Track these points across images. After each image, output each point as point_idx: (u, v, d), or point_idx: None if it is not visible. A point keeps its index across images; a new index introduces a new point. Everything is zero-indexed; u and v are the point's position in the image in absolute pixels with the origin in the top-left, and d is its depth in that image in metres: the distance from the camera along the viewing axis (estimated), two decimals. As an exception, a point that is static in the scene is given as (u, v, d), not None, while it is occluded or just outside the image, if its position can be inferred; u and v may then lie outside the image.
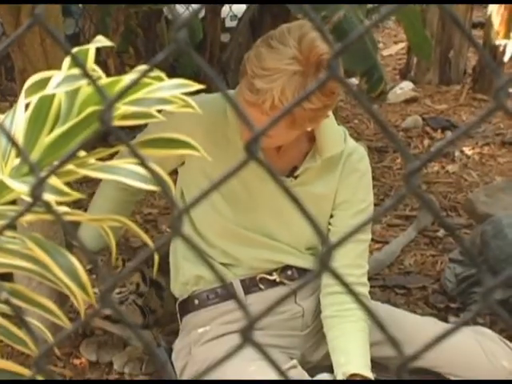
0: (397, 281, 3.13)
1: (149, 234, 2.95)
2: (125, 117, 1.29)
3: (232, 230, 2.18)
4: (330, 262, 0.64)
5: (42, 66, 2.26)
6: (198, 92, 1.36)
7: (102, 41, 1.39)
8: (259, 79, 1.89)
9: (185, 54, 0.64)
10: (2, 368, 1.30)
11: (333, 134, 2.17)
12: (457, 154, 4.40)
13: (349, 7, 2.84)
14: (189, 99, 1.30)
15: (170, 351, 2.34)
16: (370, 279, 2.29)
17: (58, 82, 1.30)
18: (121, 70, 3.82)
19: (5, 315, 1.32)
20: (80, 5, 4.26)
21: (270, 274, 2.23)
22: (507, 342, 2.33)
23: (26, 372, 1.30)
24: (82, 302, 1.25)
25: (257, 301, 2.18)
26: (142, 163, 0.70)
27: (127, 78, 1.30)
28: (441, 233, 3.48)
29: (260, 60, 1.90)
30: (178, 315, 2.32)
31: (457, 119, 5.00)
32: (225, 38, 4.37)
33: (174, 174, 2.20)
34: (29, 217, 1.24)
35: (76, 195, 1.21)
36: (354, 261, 2.18)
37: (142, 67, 1.12)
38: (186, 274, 2.25)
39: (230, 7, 4.73)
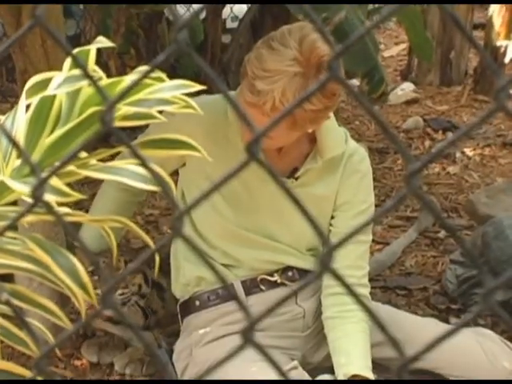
0: (398, 282, 3.13)
1: (150, 235, 2.95)
2: (126, 117, 1.29)
3: (233, 231, 2.18)
4: (330, 263, 0.64)
5: (42, 67, 2.26)
6: (198, 93, 1.36)
7: (103, 42, 1.39)
8: (260, 80, 1.89)
9: (186, 55, 0.65)
10: (3, 369, 1.30)
11: (334, 135, 2.17)
12: (458, 155, 4.40)
13: (350, 8, 2.84)
14: (190, 100, 1.30)
15: (170, 352, 2.34)
16: (370, 280, 2.29)
17: (59, 82, 1.30)
18: (122, 71, 3.82)
19: (6, 316, 1.32)
20: (81, 6, 4.26)
21: (271, 275, 2.23)
22: (508, 343, 2.33)
23: (26, 373, 1.30)
24: (83, 303, 1.25)
25: (258, 302, 2.18)
26: (143, 164, 0.70)
27: (128, 79, 1.31)
28: (442, 234, 3.47)
29: (261, 61, 1.90)
30: (179, 316, 2.32)
31: (458, 120, 4.99)
32: (226, 39, 4.36)
33: (174, 174, 2.20)
34: (30, 218, 1.24)
35: (77, 196, 1.21)
36: (354, 262, 2.18)
37: (143, 68, 1.12)
38: (187, 275, 2.25)
39: (231, 8, 4.73)
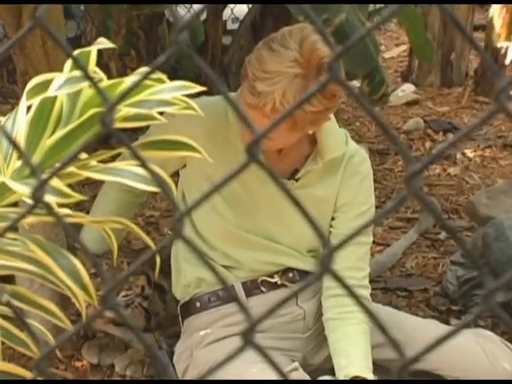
0: (398, 283, 3.13)
1: (150, 237, 2.95)
2: (126, 119, 1.29)
3: (233, 232, 2.18)
4: (331, 265, 0.64)
5: (43, 68, 2.26)
6: (199, 94, 1.36)
7: (103, 43, 1.39)
8: (260, 82, 1.89)
9: (186, 57, 0.65)
10: (4, 370, 1.30)
11: (334, 136, 2.17)
12: (458, 156, 4.40)
13: (350, 10, 2.84)
14: (190, 101, 1.30)
15: (171, 354, 2.34)
16: (371, 281, 2.29)
17: (60, 84, 1.30)
18: (122, 73, 3.82)
19: (6, 317, 1.32)
20: (82, 7, 4.26)
21: (272, 276, 2.23)
22: (509, 344, 2.33)
23: (27, 374, 1.30)
24: (84, 304, 1.25)
25: (258, 303, 2.18)
26: (143, 165, 0.70)
27: (129, 80, 1.31)
28: (442, 235, 3.47)
29: (261, 63, 1.90)
30: (180, 317, 2.32)
31: (458, 121, 4.99)
32: (226, 40, 4.36)
33: (175, 176, 2.20)
34: (30, 219, 1.24)
35: (78, 197, 1.21)
36: (355, 263, 2.18)
37: (144, 69, 1.12)
38: (188, 277, 2.25)
39: (232, 10, 4.73)
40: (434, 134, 4.78)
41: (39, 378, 0.77)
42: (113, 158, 1.62)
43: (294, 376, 2.10)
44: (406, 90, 5.44)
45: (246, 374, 2.03)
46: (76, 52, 1.34)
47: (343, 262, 2.13)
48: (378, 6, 3.91)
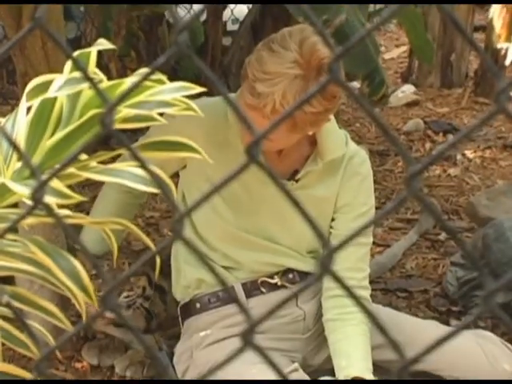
0: (398, 284, 3.13)
1: (150, 238, 2.95)
2: (126, 120, 1.29)
3: (233, 233, 2.18)
4: (330, 266, 0.64)
5: (43, 69, 2.26)
6: (199, 95, 1.36)
7: (103, 44, 1.39)
8: (260, 83, 1.89)
9: (186, 57, 0.65)
10: (4, 371, 1.30)
11: (334, 137, 2.17)
12: (458, 157, 4.40)
13: (350, 10, 2.84)
14: (190, 102, 1.30)
15: (171, 355, 2.34)
16: (371, 282, 2.29)
17: (60, 85, 1.30)
18: (122, 74, 3.82)
19: (6, 318, 1.32)
20: (82, 8, 4.26)
21: (272, 277, 2.23)
22: (508, 345, 2.33)
23: (27, 375, 1.30)
24: (84, 305, 1.25)
25: (258, 304, 2.18)
26: (143, 166, 0.70)
27: (128, 81, 1.31)
28: (442, 236, 3.47)
29: (261, 64, 1.90)
30: (180, 318, 2.32)
31: (458, 122, 4.99)
32: (226, 41, 4.36)
33: (175, 177, 2.20)
34: (30, 220, 1.24)
35: (78, 198, 1.21)
36: (355, 264, 2.18)
37: (144, 70, 1.12)
38: (188, 278, 2.25)
39: (232, 11, 4.73)
40: (434, 135, 4.78)
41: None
42: (113, 159, 1.62)
43: (294, 377, 2.10)
44: (406, 91, 5.44)
45: (246, 375, 2.03)
46: (76, 53, 1.34)
47: (343, 262, 2.13)
48: (377, 6, 3.91)
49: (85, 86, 1.29)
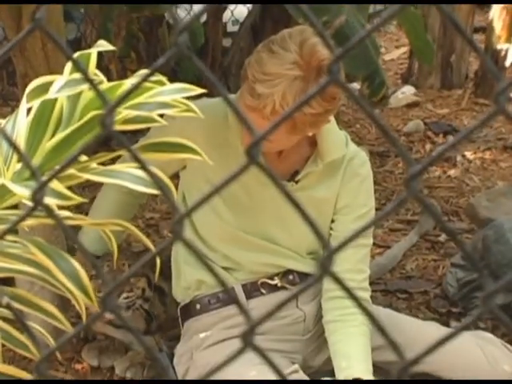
0: (398, 285, 3.13)
1: (150, 239, 2.94)
2: (126, 121, 1.29)
3: (233, 233, 2.18)
4: (330, 267, 0.64)
5: (43, 70, 2.26)
6: (199, 96, 1.36)
7: (103, 45, 1.39)
8: (260, 84, 1.89)
9: (186, 59, 0.65)
10: (4, 372, 1.30)
11: (334, 138, 2.17)
12: (458, 158, 4.40)
13: (350, 12, 2.84)
14: (190, 103, 1.30)
15: (171, 356, 2.34)
16: (371, 284, 2.29)
17: (60, 86, 1.30)
18: (123, 75, 3.82)
19: (6, 320, 1.33)
20: (82, 10, 4.26)
21: (272, 278, 2.23)
22: (508, 346, 2.33)
23: (27, 377, 1.30)
24: (84, 306, 1.26)
25: (258, 305, 2.18)
26: (143, 167, 0.70)
27: (129, 83, 1.31)
28: (442, 237, 3.47)
29: (261, 65, 1.90)
30: (180, 320, 2.32)
31: (458, 124, 4.99)
32: (226, 42, 4.37)
33: (175, 178, 2.20)
34: (30, 221, 1.24)
35: (78, 199, 1.21)
36: (355, 265, 2.18)
37: (144, 71, 1.12)
38: (188, 279, 2.25)
39: (232, 12, 4.74)
40: (434, 136, 4.78)
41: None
42: (113, 161, 1.62)
43: (294, 378, 2.10)
44: (406, 92, 5.44)
45: (246, 376, 2.03)
46: (76, 54, 1.34)
47: (343, 264, 2.13)
48: (377, 7, 3.91)
49: (85, 87, 1.29)
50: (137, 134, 2.21)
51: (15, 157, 1.32)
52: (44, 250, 1.25)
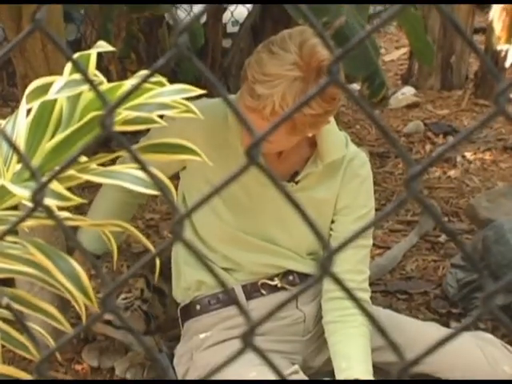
0: (398, 286, 3.13)
1: (150, 240, 2.95)
2: (126, 122, 1.29)
3: (233, 234, 2.18)
4: (330, 268, 0.64)
5: (43, 71, 2.26)
6: (199, 97, 1.36)
7: (103, 46, 1.39)
8: (260, 85, 1.89)
9: (186, 59, 0.65)
10: (4, 373, 1.30)
11: (334, 139, 2.17)
12: (458, 159, 4.40)
13: (350, 12, 2.84)
14: (190, 104, 1.31)
15: (171, 357, 2.34)
16: (371, 284, 2.29)
17: (60, 87, 1.30)
18: (123, 76, 3.82)
19: (6, 320, 1.33)
20: (82, 10, 4.26)
21: (272, 279, 2.23)
22: (508, 347, 2.33)
23: (27, 377, 1.30)
24: (84, 307, 1.26)
25: (258, 306, 2.18)
26: (143, 168, 0.70)
27: (128, 83, 1.31)
28: (442, 238, 3.47)
29: (261, 65, 1.90)
30: (180, 320, 2.32)
31: (458, 124, 4.99)
32: (226, 43, 4.37)
33: (175, 178, 2.20)
34: (30, 222, 1.24)
35: (77, 200, 1.21)
36: (354, 266, 2.18)
37: (144, 72, 1.12)
38: (188, 279, 2.25)
39: (232, 13, 4.74)
40: (434, 137, 4.78)
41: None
42: (113, 162, 1.62)
43: (294, 379, 2.10)
44: (406, 93, 5.44)
45: (246, 377, 2.03)
46: (76, 55, 1.34)
47: (343, 264, 2.13)
48: (377, 8, 3.91)
49: (85, 88, 1.29)
50: (137, 135, 2.21)
51: (15, 157, 1.32)
52: (44, 251, 1.25)
